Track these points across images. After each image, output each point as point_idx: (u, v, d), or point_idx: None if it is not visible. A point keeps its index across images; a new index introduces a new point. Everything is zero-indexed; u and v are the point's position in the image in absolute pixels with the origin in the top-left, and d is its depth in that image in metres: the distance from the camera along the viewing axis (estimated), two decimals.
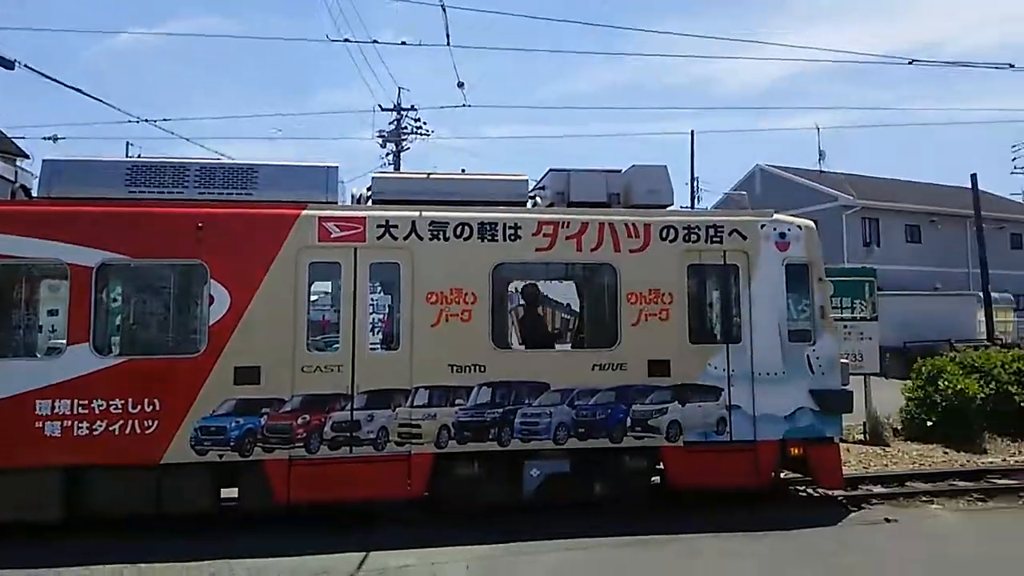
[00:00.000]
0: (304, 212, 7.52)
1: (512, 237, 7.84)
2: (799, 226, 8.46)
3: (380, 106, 31.29)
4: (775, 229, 8.35)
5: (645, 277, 7.99)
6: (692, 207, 24.27)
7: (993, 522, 8.13)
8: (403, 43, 13.53)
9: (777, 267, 8.27)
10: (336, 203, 7.93)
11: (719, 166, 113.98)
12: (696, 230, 8.17)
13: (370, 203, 8.24)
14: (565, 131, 53.73)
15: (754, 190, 30.08)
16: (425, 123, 29.84)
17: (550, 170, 8.80)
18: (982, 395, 12.95)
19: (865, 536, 7.40)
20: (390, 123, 29.64)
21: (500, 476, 7.67)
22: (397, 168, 28.03)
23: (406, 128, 29.55)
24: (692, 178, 33.98)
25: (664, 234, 8.09)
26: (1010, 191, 50.85)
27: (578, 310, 8.36)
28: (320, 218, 7.53)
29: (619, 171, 8.72)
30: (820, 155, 44.72)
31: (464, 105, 19.43)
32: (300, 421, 7.23)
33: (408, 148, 29.84)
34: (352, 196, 8.62)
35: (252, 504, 7.33)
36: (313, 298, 8.02)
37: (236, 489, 7.35)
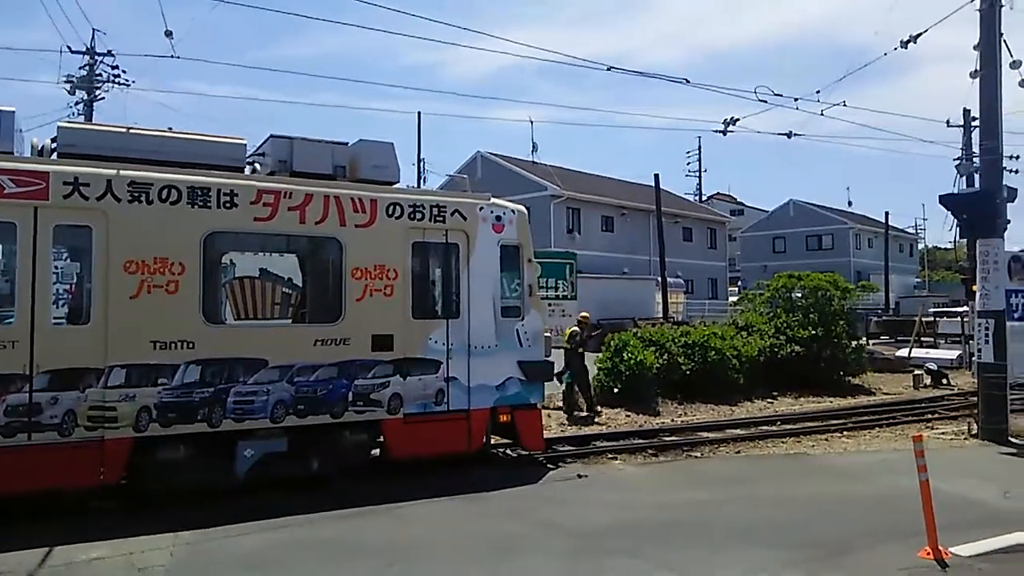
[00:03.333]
0: None
1: (228, 204, 7.38)
2: (513, 210, 9.10)
3: (69, 47, 27.09)
4: (492, 212, 8.89)
5: (371, 253, 8.02)
6: (419, 187, 24.77)
7: (663, 472, 9.56)
8: None
9: (493, 247, 8.81)
10: (12, 153, 6.84)
11: (444, 149, 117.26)
12: (421, 208, 8.38)
13: (56, 156, 7.22)
14: (285, 97, 51.16)
15: (476, 175, 31.40)
16: (125, 71, 26.75)
17: (271, 136, 8.41)
18: (657, 365, 15.12)
19: (561, 491, 8.23)
20: (81, 68, 26.06)
21: (210, 458, 7.25)
22: (89, 119, 24.68)
23: (101, 75, 26.18)
24: (419, 158, 34.72)
25: (390, 211, 8.18)
26: (684, 191, 59.29)
27: (300, 284, 8.12)
28: None
29: (346, 144, 8.62)
30: (533, 147, 48.00)
31: (173, 56, 17.56)
32: None
33: (103, 98, 26.57)
34: (33, 147, 7.52)
35: None
36: None
37: None
